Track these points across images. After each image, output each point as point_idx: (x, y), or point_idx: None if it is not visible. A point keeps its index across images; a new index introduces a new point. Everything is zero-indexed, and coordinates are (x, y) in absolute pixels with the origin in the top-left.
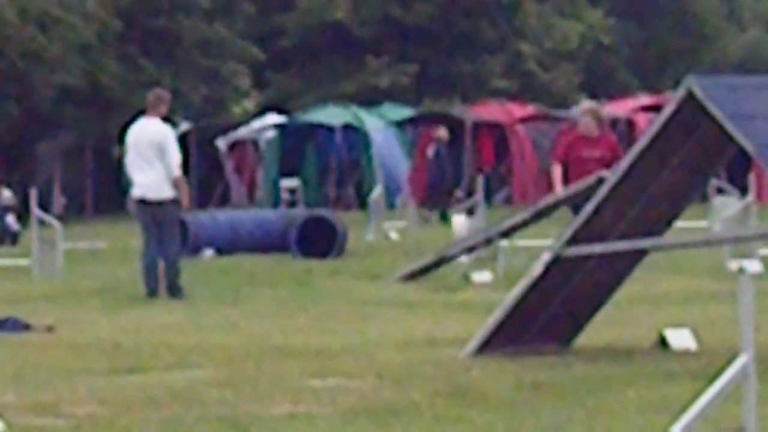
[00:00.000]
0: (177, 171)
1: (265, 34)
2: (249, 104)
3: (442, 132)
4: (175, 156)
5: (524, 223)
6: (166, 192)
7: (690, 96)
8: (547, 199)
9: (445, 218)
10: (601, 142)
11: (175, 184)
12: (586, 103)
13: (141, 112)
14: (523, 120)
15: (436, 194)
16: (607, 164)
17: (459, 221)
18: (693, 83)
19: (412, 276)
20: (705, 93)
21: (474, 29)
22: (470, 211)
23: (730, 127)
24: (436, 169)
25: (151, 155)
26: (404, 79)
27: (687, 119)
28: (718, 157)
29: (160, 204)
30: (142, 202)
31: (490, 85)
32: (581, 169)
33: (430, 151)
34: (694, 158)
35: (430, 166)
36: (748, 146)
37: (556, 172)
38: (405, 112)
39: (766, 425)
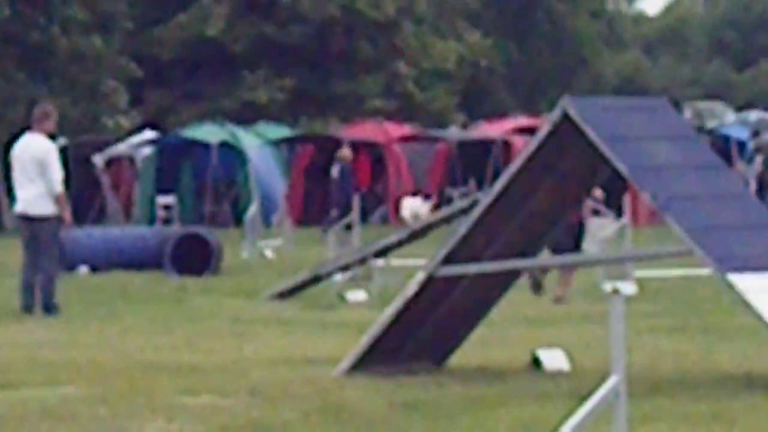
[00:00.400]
0: (58, 187)
1: (142, 50)
2: (124, 120)
3: (347, 152)
4: (57, 172)
5: (399, 243)
6: (47, 208)
7: (565, 117)
8: (422, 220)
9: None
10: None
11: (57, 200)
12: None
13: (27, 127)
14: (401, 140)
15: (340, 213)
16: None
17: (409, 204)
18: (568, 104)
19: (286, 294)
20: (580, 114)
21: (351, 49)
22: (348, 227)
23: (604, 148)
24: (340, 189)
25: (33, 171)
26: (280, 94)
27: (562, 140)
28: (592, 179)
29: (40, 220)
30: (23, 217)
31: (367, 104)
32: None
33: (335, 171)
34: (568, 179)
35: (335, 186)
36: (623, 168)
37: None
38: (281, 131)
39: None
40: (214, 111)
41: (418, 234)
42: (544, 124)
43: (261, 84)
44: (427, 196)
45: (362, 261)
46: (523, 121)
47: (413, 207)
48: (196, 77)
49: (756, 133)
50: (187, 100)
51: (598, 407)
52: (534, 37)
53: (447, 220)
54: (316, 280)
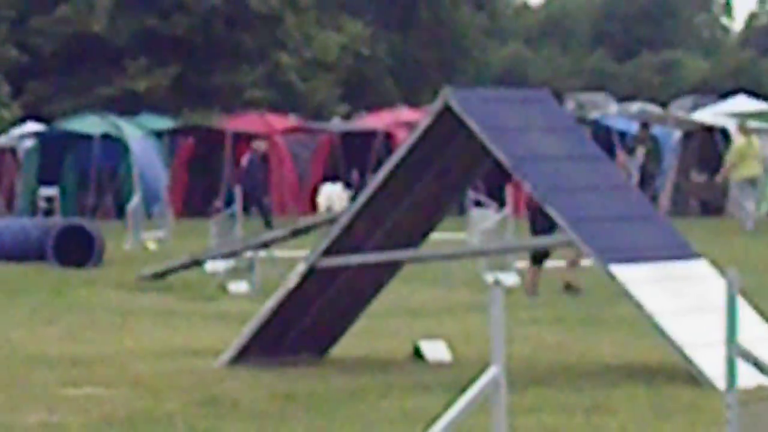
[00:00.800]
0: None
1: (24, 40)
2: (5, 112)
3: (262, 144)
4: None
5: (282, 239)
6: None
7: (447, 108)
8: (308, 219)
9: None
10: None
11: None
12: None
13: None
14: (283, 131)
15: (248, 202)
16: None
17: (327, 191)
18: (450, 95)
19: (160, 275)
20: (461, 105)
21: (233, 39)
22: (232, 216)
23: (486, 139)
24: (249, 178)
25: None
26: (162, 85)
27: (444, 131)
28: (474, 170)
29: None
30: None
31: (248, 95)
32: None
33: (245, 160)
34: (450, 170)
35: (243, 175)
36: (504, 159)
37: None
38: (164, 122)
39: None
40: (96, 101)
41: (300, 232)
42: (426, 115)
43: (142, 74)
44: (348, 185)
45: (244, 251)
46: (406, 114)
47: (330, 195)
48: (77, 67)
49: (645, 125)
50: (69, 90)
51: (477, 398)
52: (416, 27)
53: (331, 221)
54: (195, 263)
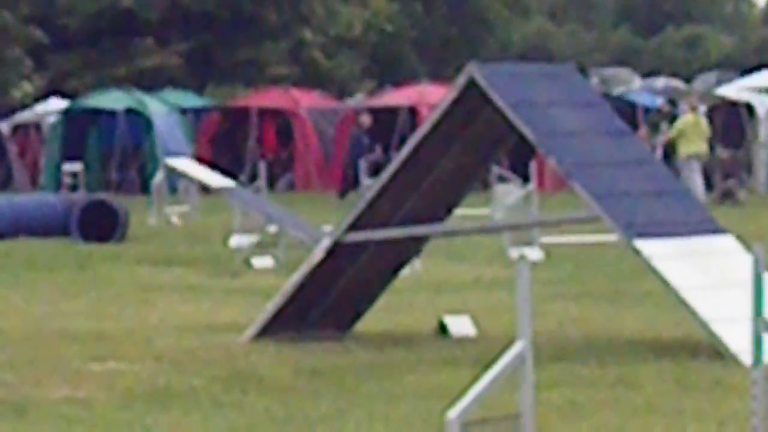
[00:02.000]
0: None
1: (49, 15)
2: (28, 86)
3: (366, 119)
4: None
5: None
6: None
7: (472, 83)
8: None
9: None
10: None
11: None
12: None
13: None
14: (308, 107)
15: (350, 177)
16: None
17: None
18: (475, 70)
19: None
20: (487, 80)
21: (258, 15)
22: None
23: (511, 114)
24: (353, 154)
25: None
26: (185, 60)
27: (468, 106)
28: (499, 145)
29: None
30: None
31: (272, 71)
32: None
33: (350, 137)
34: (475, 145)
35: (349, 150)
36: (529, 134)
37: None
38: (188, 98)
39: (542, 410)
40: (120, 76)
41: None
42: (451, 91)
43: (166, 49)
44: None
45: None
46: (430, 89)
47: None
48: (101, 42)
49: (672, 102)
50: (92, 65)
51: (504, 373)
52: (440, 2)
53: None
54: None
